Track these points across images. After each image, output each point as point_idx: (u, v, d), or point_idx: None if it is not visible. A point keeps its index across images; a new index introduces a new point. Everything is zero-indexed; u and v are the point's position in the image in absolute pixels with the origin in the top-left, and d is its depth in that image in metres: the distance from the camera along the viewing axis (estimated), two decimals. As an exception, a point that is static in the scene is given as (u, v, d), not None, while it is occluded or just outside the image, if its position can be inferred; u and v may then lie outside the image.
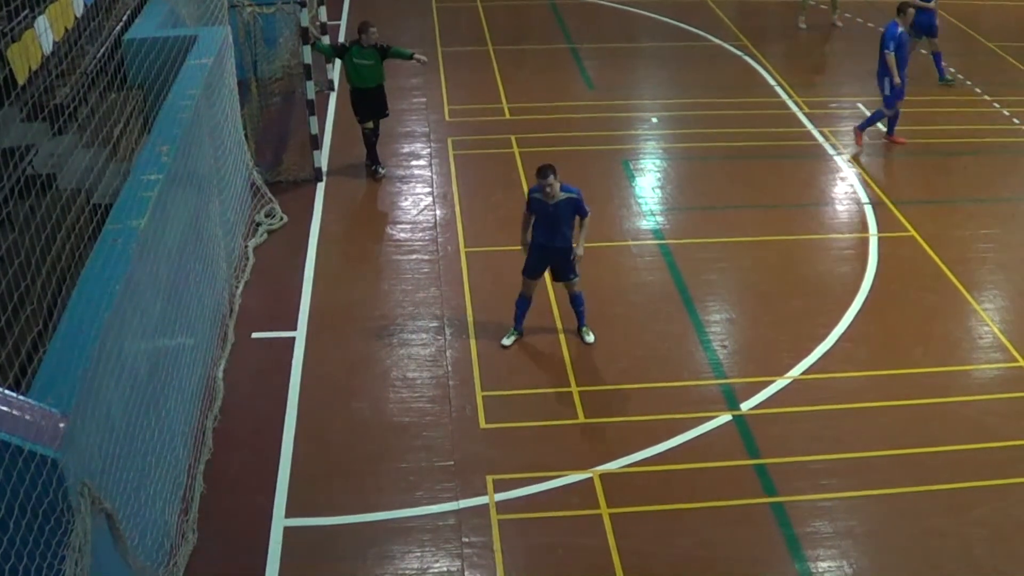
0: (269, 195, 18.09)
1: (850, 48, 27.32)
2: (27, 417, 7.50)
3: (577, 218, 14.30)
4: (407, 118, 22.21)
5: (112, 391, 9.25)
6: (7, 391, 7.65)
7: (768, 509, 12.06)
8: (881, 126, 21.32)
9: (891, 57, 20.45)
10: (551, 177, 13.94)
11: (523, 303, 14.86)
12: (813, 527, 11.81)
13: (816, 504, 12.15)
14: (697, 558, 11.40)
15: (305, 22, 18.77)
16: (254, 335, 14.91)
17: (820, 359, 14.68)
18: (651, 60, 25.56)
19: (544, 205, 14.19)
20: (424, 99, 23.14)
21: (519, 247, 14.78)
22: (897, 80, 20.46)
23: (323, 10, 24.24)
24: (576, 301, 14.86)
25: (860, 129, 21.21)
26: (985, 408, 13.91)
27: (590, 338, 14.89)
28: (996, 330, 15.46)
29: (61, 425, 7.68)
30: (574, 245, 14.41)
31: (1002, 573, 11.28)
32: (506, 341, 14.80)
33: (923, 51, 24.44)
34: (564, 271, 14.60)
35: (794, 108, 22.92)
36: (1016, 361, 14.78)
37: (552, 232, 14.30)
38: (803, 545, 11.53)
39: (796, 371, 14.40)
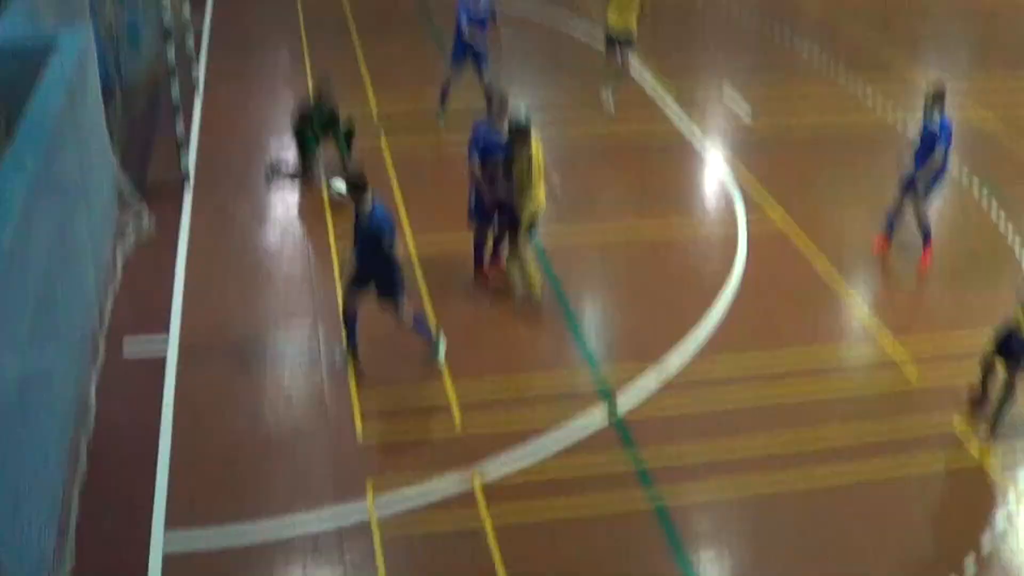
0: (137, 201, 17.75)
1: (720, 36, 27.63)
2: None
3: None
4: (274, 118, 21.99)
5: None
6: None
7: (650, 510, 12.13)
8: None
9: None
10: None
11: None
12: (695, 529, 11.93)
13: (698, 504, 12.25)
14: (582, 566, 11.44)
15: (168, 21, 18.46)
16: (126, 347, 14.62)
17: (695, 347, 14.80)
18: (520, 57, 25.51)
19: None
20: (290, 100, 22.87)
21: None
22: None
23: (187, 7, 23.83)
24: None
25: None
26: (858, 393, 14.17)
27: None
28: (866, 311, 15.74)
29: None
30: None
31: (879, 554, 11.54)
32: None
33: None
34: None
35: (661, 93, 23.06)
36: (884, 347, 15.05)
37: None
38: (686, 548, 11.63)
39: (672, 360, 14.46)
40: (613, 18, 22.03)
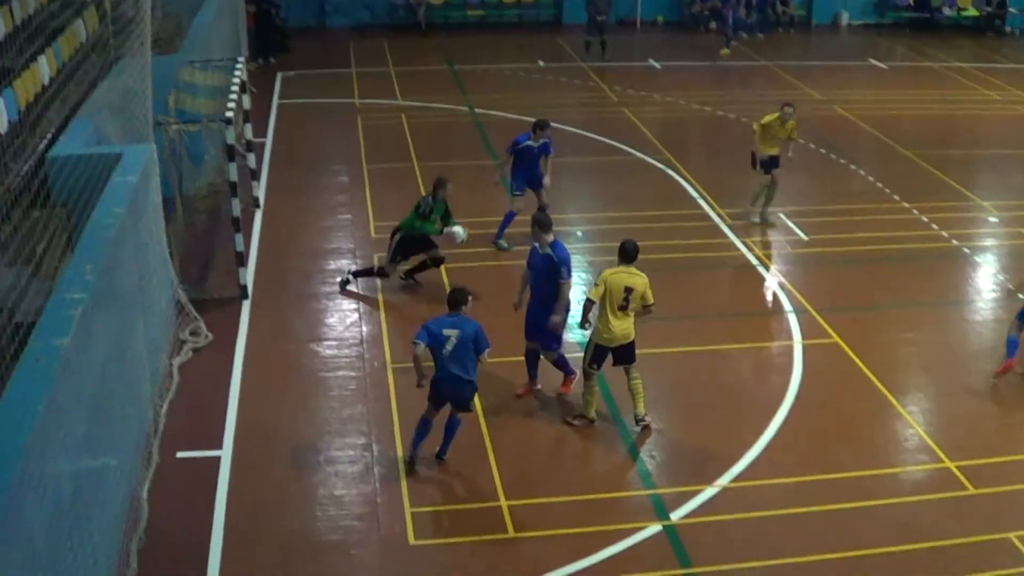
0: (194, 313, 17.95)
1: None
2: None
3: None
4: (333, 234, 22.25)
5: (35, 513, 9.10)
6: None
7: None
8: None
9: None
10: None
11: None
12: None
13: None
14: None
15: (231, 139, 18.83)
16: (179, 454, 14.69)
17: (749, 466, 14.74)
18: (575, 174, 25.74)
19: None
20: (350, 216, 23.20)
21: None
22: None
23: (248, 128, 24.25)
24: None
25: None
26: (914, 509, 14.02)
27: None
28: (921, 432, 15.62)
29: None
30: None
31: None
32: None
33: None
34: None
35: (717, 220, 23.23)
36: (942, 462, 14.93)
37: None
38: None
39: (725, 479, 14.43)
40: (764, 148, 22.94)
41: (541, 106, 30.33)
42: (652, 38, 42.59)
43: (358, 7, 42.66)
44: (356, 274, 19.73)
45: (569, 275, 15.65)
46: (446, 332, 13.94)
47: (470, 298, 14.32)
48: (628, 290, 14.94)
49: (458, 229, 19.31)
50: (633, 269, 15.12)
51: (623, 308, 15.00)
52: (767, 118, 22.96)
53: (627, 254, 15.19)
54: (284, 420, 15.61)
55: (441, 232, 19.32)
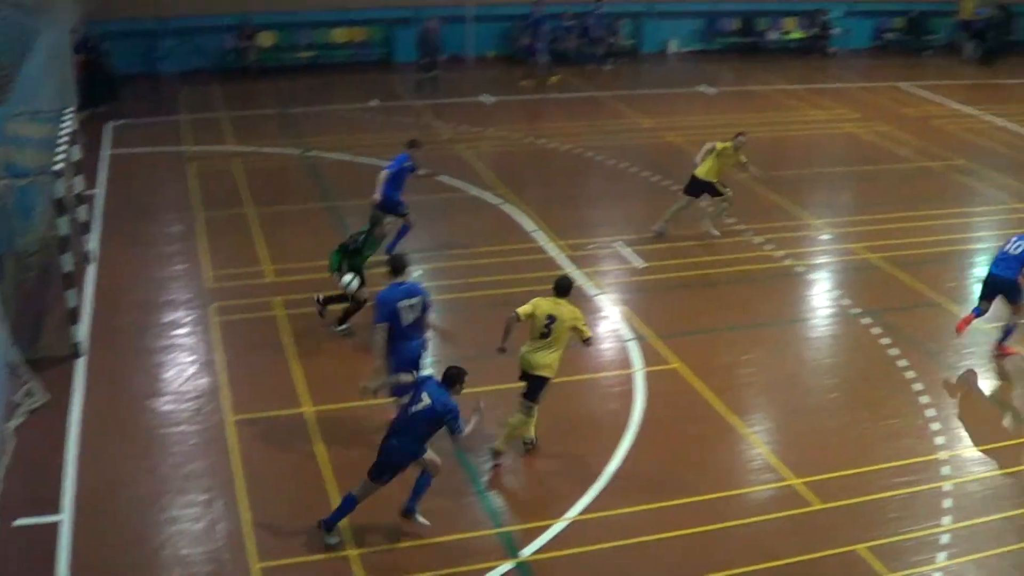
0: (28, 373, 17.48)
1: (608, 190, 28.05)
2: None
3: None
4: (168, 286, 21.84)
5: None
6: None
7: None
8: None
9: None
10: None
11: None
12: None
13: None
14: None
15: (60, 193, 18.41)
16: (17, 522, 14.24)
17: (597, 497, 14.83)
18: (410, 213, 25.66)
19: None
20: (185, 266, 22.77)
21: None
22: None
23: (79, 179, 23.70)
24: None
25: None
26: (764, 528, 14.29)
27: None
28: (765, 451, 15.88)
29: None
30: None
31: None
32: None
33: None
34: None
35: (554, 252, 23.32)
36: (786, 480, 15.18)
37: None
38: None
39: (574, 511, 14.48)
40: (706, 172, 24.09)
41: (377, 145, 30.18)
42: (484, 73, 42.60)
43: (188, 53, 41.92)
44: (326, 301, 19.90)
45: (377, 319, 15.33)
46: (424, 397, 13.60)
47: (465, 378, 14.01)
48: (551, 318, 15.16)
49: (346, 279, 19.04)
50: (563, 301, 15.39)
51: (544, 336, 15.22)
52: (721, 145, 23.93)
53: (558, 287, 15.52)
54: (124, 480, 15.25)
55: (333, 271, 19.24)
